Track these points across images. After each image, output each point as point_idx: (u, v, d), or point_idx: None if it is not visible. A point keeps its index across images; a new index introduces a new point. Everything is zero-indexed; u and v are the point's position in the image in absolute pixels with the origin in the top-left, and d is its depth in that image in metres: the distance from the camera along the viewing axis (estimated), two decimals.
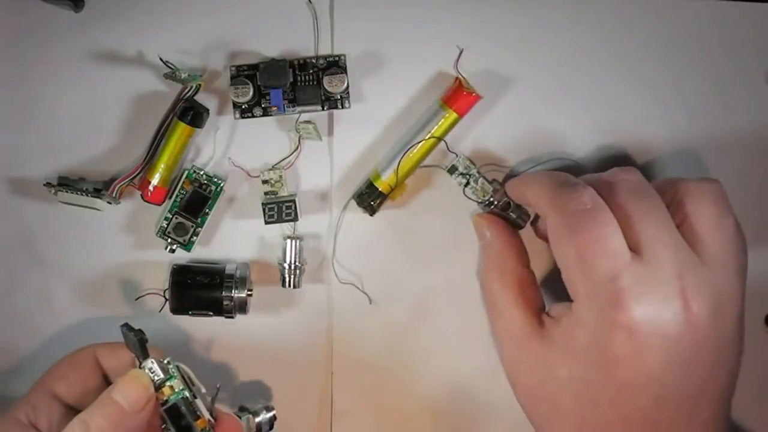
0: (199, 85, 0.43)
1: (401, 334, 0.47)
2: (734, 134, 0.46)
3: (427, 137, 0.44)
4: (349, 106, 0.45)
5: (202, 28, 0.45)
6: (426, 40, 0.45)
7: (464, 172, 0.45)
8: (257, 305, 0.46)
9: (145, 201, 0.44)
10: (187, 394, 0.38)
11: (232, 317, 0.45)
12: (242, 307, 0.44)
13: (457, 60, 0.45)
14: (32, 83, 0.45)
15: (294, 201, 0.44)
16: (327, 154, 0.46)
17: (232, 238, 0.46)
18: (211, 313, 0.44)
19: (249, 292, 0.45)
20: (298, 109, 0.45)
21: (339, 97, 0.45)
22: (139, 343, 0.38)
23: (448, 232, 0.46)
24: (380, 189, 0.45)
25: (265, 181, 0.45)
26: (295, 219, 0.45)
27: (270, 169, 0.45)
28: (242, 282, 0.44)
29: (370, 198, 0.45)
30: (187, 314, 0.44)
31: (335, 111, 0.45)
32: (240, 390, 0.47)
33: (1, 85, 0.45)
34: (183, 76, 0.43)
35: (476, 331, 0.47)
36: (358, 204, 0.45)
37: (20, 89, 0.45)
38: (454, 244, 0.46)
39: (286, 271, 0.45)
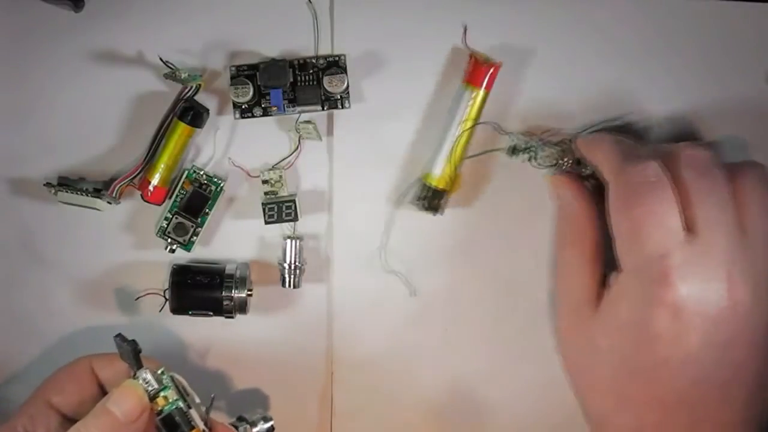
0: (199, 85, 0.43)
1: (401, 334, 0.47)
2: (734, 134, 0.46)
3: (464, 122, 0.44)
4: (349, 106, 0.45)
5: (202, 28, 0.45)
6: (426, 40, 0.45)
7: (525, 147, 0.45)
8: (257, 305, 0.46)
9: (145, 201, 0.44)
10: (181, 404, 0.38)
11: (232, 317, 0.45)
12: (242, 307, 0.44)
13: (464, 37, 0.45)
14: (32, 83, 0.45)
15: (294, 201, 0.44)
16: (327, 154, 0.46)
17: (232, 238, 0.46)
18: (211, 313, 0.44)
19: (249, 292, 0.45)
20: (298, 109, 0.45)
21: (339, 97, 0.45)
22: (132, 354, 0.38)
23: (450, 236, 0.46)
24: (440, 187, 0.44)
25: (265, 181, 0.45)
26: (295, 219, 0.45)
27: (270, 169, 0.45)
28: (242, 282, 0.44)
29: (434, 199, 0.45)
30: (187, 314, 0.44)
31: (335, 111, 0.45)
32: (239, 393, 0.47)
33: (1, 85, 0.45)
34: (183, 76, 0.43)
35: (476, 331, 0.47)
36: (425, 208, 0.45)
37: (20, 89, 0.45)
38: (455, 246, 0.46)
39: (286, 271, 0.45)
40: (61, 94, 0.45)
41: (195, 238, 0.45)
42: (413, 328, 0.47)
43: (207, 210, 0.45)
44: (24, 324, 0.46)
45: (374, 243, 0.46)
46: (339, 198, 0.46)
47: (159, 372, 0.39)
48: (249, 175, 0.45)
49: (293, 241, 0.45)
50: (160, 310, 0.45)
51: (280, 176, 0.45)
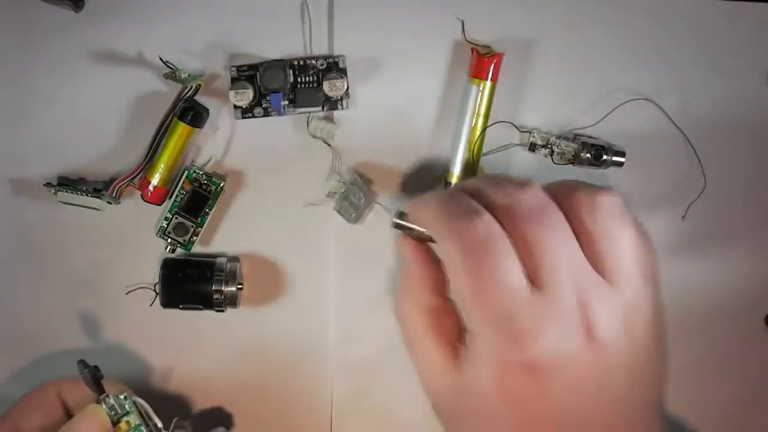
0: (199, 85, 0.43)
1: (401, 334, 0.47)
2: (733, 135, 0.46)
3: (477, 116, 0.44)
4: (348, 107, 0.45)
5: (202, 29, 0.45)
6: (426, 36, 0.45)
7: (543, 143, 0.45)
8: (256, 304, 0.46)
9: (145, 201, 0.44)
10: (143, 429, 0.39)
11: (222, 311, 0.45)
12: (233, 301, 0.44)
13: (463, 31, 0.45)
14: (32, 83, 0.45)
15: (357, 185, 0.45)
16: (327, 155, 0.46)
17: (232, 237, 0.46)
18: (201, 307, 0.44)
19: (239, 286, 0.45)
20: (298, 110, 0.45)
21: (339, 98, 0.45)
22: (93, 380, 0.39)
23: None
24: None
25: (333, 193, 0.45)
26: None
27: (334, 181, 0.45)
28: (232, 276, 0.44)
29: None
30: (178, 308, 0.44)
31: (336, 111, 0.45)
32: (239, 397, 0.47)
33: (1, 85, 0.45)
34: (183, 76, 0.43)
35: None
36: None
37: (20, 89, 0.45)
38: None
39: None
40: (62, 94, 0.45)
41: (195, 238, 0.45)
42: None
43: (207, 210, 0.45)
44: (24, 324, 0.46)
45: (374, 242, 0.46)
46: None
47: (122, 397, 0.39)
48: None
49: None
50: (150, 305, 0.45)
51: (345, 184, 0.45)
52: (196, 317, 0.46)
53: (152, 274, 0.46)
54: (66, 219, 0.45)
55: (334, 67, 0.44)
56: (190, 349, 0.47)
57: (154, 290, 0.45)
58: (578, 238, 0.37)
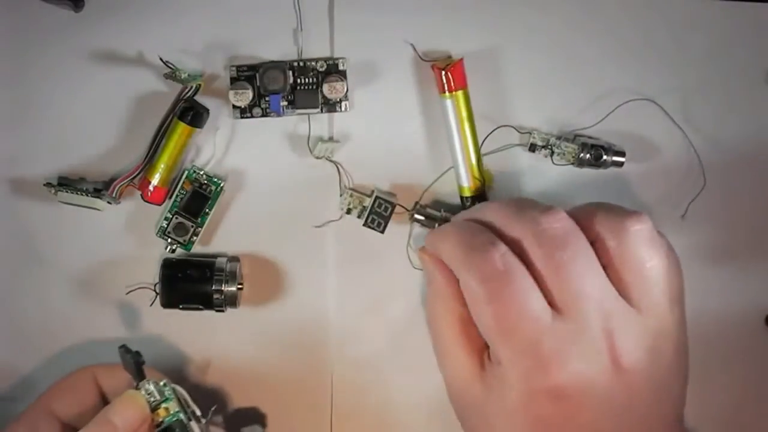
0: (199, 85, 0.43)
1: (401, 334, 0.47)
2: (733, 134, 0.46)
3: (461, 126, 0.44)
4: (348, 110, 0.45)
5: (202, 29, 0.45)
6: (423, 41, 0.45)
7: (543, 144, 0.45)
8: (256, 304, 0.46)
9: (145, 201, 0.44)
10: (182, 416, 0.39)
11: (222, 311, 0.45)
12: (233, 301, 0.44)
13: (416, 53, 0.45)
14: (32, 83, 0.45)
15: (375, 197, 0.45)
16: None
17: (232, 237, 0.46)
18: (201, 307, 0.44)
19: (239, 286, 0.45)
20: (297, 111, 0.45)
21: (338, 100, 0.45)
22: (135, 366, 0.39)
23: None
24: (477, 194, 0.44)
25: (349, 210, 0.45)
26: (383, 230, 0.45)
27: (348, 196, 0.45)
28: (232, 276, 0.44)
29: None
30: (178, 308, 0.44)
31: (335, 114, 0.45)
32: (237, 395, 0.47)
33: (1, 85, 0.45)
34: (183, 76, 0.43)
35: None
36: None
37: (20, 89, 0.45)
38: None
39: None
40: (61, 94, 0.45)
41: (195, 238, 0.45)
42: (413, 327, 0.47)
43: (207, 210, 0.45)
44: (23, 324, 0.46)
45: (374, 242, 0.46)
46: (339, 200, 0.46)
47: (161, 384, 0.39)
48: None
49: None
50: (150, 305, 0.45)
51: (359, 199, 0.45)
52: (195, 317, 0.46)
53: (152, 274, 0.46)
54: (66, 219, 0.45)
55: (333, 69, 0.44)
56: (190, 350, 0.47)
57: (154, 290, 0.45)
58: (604, 264, 0.37)
